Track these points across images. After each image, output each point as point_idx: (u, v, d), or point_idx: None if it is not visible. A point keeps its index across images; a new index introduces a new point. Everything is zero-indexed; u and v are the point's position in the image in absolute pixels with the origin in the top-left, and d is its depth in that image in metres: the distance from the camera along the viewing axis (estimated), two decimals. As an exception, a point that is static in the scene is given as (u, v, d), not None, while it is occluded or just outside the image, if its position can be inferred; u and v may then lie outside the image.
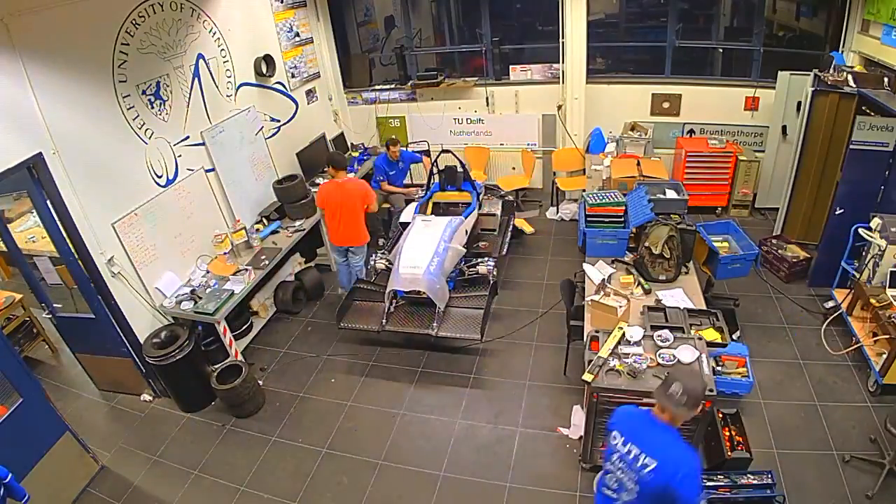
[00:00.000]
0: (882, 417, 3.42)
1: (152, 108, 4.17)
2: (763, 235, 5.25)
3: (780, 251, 4.98)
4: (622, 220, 4.19)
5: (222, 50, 4.93)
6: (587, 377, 2.92)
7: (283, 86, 5.90)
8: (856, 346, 3.94)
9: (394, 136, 6.13)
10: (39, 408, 3.38)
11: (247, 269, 4.51)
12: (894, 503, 3.04)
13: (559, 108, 6.27)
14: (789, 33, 6.06)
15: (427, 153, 6.52)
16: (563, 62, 5.98)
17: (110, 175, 3.84)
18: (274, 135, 5.72)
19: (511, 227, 5.63)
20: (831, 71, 4.68)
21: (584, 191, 6.09)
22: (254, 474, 3.65)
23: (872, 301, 3.76)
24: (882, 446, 3.26)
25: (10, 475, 2.76)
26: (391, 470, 3.59)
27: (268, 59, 5.47)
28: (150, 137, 4.16)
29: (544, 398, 3.99)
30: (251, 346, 4.78)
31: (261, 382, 4.33)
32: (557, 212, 6.37)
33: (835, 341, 4.16)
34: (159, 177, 4.26)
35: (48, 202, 3.48)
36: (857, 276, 4.05)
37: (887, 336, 3.62)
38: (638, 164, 5.27)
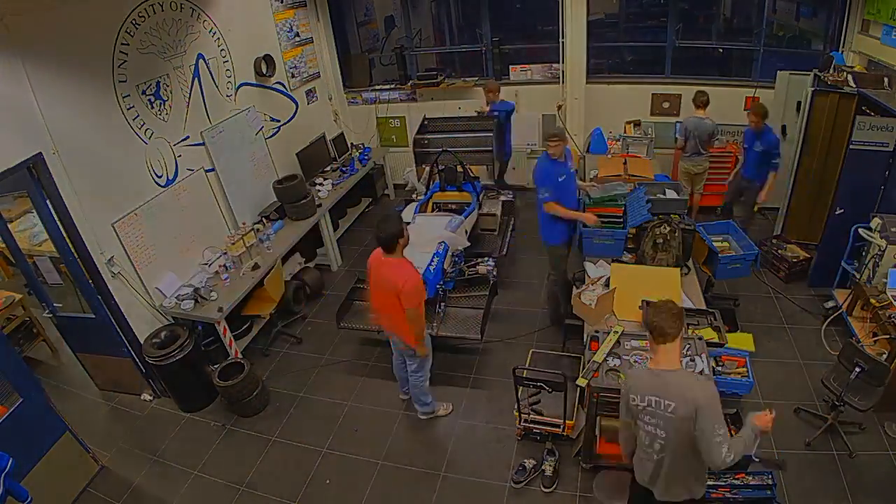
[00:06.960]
0: (883, 419, 3.43)
1: (152, 108, 4.18)
2: (763, 235, 5.25)
3: (780, 251, 4.98)
4: (621, 220, 4.19)
5: (222, 50, 4.93)
6: (580, 382, 2.92)
7: (283, 86, 5.90)
8: (856, 347, 3.94)
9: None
10: (39, 408, 3.39)
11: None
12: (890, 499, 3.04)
13: (559, 107, 6.26)
14: (789, 33, 6.06)
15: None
16: (563, 62, 5.97)
17: (110, 175, 3.84)
18: (274, 135, 5.72)
19: (512, 227, 5.62)
20: (831, 71, 4.68)
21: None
22: (254, 474, 3.65)
23: (872, 301, 3.76)
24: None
25: (10, 460, 2.77)
26: (391, 470, 3.59)
27: (268, 59, 5.47)
28: (150, 137, 4.16)
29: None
30: (251, 346, 4.78)
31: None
32: None
33: (835, 341, 4.15)
34: (159, 177, 4.26)
35: (48, 202, 3.48)
36: (857, 276, 4.05)
37: (887, 336, 3.62)
38: (625, 162, 5.26)
